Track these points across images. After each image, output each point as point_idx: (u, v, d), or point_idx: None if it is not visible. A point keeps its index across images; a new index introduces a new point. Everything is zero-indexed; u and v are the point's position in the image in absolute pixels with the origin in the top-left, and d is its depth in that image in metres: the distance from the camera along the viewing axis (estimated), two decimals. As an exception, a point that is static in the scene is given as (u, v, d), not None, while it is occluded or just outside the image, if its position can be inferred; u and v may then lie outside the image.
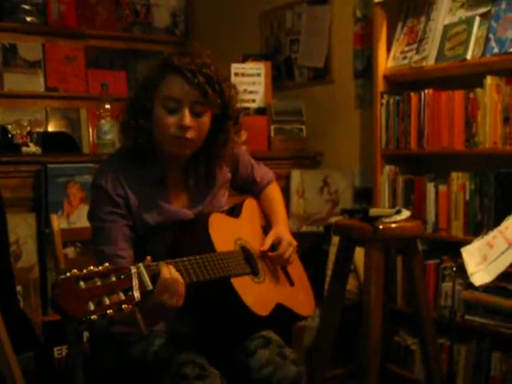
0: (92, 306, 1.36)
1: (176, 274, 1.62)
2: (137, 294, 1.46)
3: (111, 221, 1.88)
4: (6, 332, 2.30)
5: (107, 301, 1.39)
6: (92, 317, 1.36)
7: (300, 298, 2.18)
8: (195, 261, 1.73)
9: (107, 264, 1.45)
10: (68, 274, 1.37)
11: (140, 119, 1.90)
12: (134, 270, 1.49)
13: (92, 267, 1.42)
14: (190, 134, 1.88)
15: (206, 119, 1.92)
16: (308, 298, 2.25)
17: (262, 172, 2.32)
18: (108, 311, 1.38)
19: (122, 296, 1.43)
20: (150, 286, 1.52)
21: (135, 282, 1.47)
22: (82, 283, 1.37)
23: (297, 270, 2.25)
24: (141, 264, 1.53)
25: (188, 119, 1.86)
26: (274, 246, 2.10)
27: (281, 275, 2.15)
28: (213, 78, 1.88)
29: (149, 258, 1.60)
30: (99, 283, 1.40)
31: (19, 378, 2.30)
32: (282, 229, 2.17)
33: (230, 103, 1.98)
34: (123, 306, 1.41)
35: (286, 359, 1.93)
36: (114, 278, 1.43)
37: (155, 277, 1.56)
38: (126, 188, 1.91)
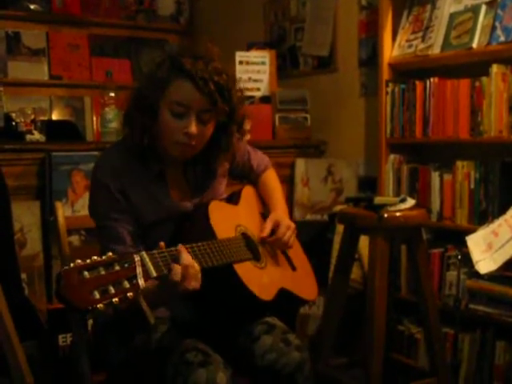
0: (97, 295, 1.37)
1: (191, 259, 1.64)
2: (141, 282, 1.47)
3: (116, 219, 1.88)
4: (11, 319, 2.30)
5: (112, 289, 1.40)
6: (98, 306, 1.36)
7: (303, 283, 2.19)
8: (197, 248, 1.74)
9: (110, 253, 1.45)
10: (72, 265, 1.37)
11: (146, 117, 1.88)
12: (137, 258, 1.50)
13: (95, 257, 1.42)
14: (194, 141, 1.88)
15: (211, 126, 1.93)
16: (311, 282, 2.26)
17: (259, 159, 2.31)
18: (113, 299, 1.39)
19: (127, 284, 1.43)
20: (154, 273, 1.52)
21: (139, 270, 1.48)
22: (86, 273, 1.38)
23: (298, 254, 2.26)
24: (143, 252, 1.54)
25: (194, 127, 1.86)
26: (273, 231, 2.10)
27: (282, 260, 2.15)
28: (223, 86, 1.87)
29: (162, 244, 1.61)
30: (103, 272, 1.41)
31: (24, 366, 2.30)
32: (280, 213, 2.17)
33: (237, 109, 1.98)
34: (128, 294, 1.42)
35: (289, 345, 1.93)
36: (117, 267, 1.44)
37: (165, 264, 1.57)
38: (126, 183, 1.91)
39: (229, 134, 2.01)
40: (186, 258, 1.63)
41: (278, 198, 2.26)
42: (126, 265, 1.46)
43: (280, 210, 2.19)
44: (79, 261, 1.39)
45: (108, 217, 1.88)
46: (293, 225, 2.14)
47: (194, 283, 1.64)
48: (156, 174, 1.96)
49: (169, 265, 1.59)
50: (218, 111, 1.89)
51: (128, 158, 1.94)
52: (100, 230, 1.92)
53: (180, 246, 1.66)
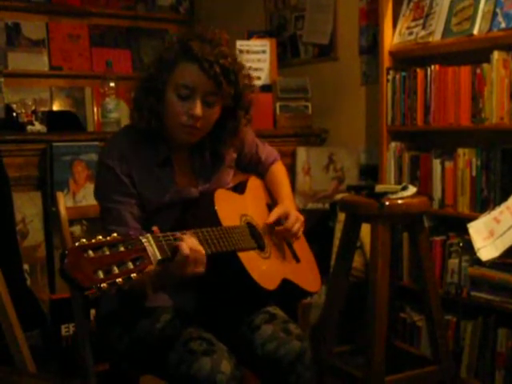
0: (101, 275, 1.37)
1: (197, 243, 1.66)
2: (145, 264, 1.47)
3: (120, 201, 1.89)
4: (14, 310, 2.31)
5: (116, 270, 1.40)
6: (102, 285, 1.37)
7: (306, 274, 2.19)
8: (201, 233, 1.74)
9: (115, 234, 1.46)
10: (77, 244, 1.38)
11: (151, 99, 1.90)
12: (143, 240, 1.51)
13: (101, 237, 1.43)
14: (199, 124, 1.89)
15: (217, 109, 1.93)
16: (314, 275, 2.26)
17: (267, 151, 2.31)
18: (117, 280, 1.39)
19: (131, 265, 1.44)
20: (158, 256, 1.53)
21: (143, 252, 1.49)
22: (90, 252, 1.38)
23: (302, 247, 2.25)
24: (149, 235, 1.55)
25: (199, 109, 1.86)
26: (282, 221, 2.10)
27: (287, 252, 2.15)
28: (229, 69, 1.88)
29: (155, 228, 1.61)
30: (108, 252, 1.41)
31: (27, 356, 2.31)
32: (289, 204, 2.17)
33: (243, 94, 1.98)
34: (132, 275, 1.43)
35: (290, 335, 1.93)
36: (122, 248, 1.45)
37: (169, 247, 1.58)
38: (132, 166, 1.91)
39: (236, 118, 2.01)
40: (192, 241, 1.64)
41: (286, 191, 2.26)
42: (131, 246, 1.47)
43: (288, 202, 2.19)
44: (84, 240, 1.40)
45: (112, 199, 1.89)
46: (301, 217, 2.15)
47: (200, 267, 1.66)
48: (162, 159, 1.96)
49: (174, 248, 1.59)
50: (224, 94, 1.89)
51: (135, 143, 1.95)
52: (103, 212, 1.93)
53: (186, 232, 1.67)
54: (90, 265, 1.37)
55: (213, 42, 1.89)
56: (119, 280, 1.40)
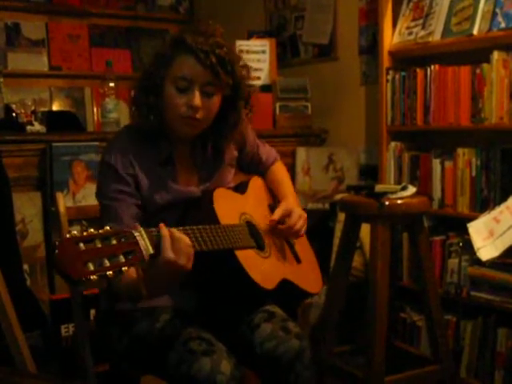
0: (92, 267, 1.37)
1: (180, 234, 1.63)
2: (137, 258, 1.47)
3: (119, 199, 1.89)
4: (14, 310, 2.31)
5: (107, 262, 1.40)
6: (91, 277, 1.37)
7: (307, 275, 2.18)
8: (204, 230, 1.74)
9: (108, 227, 1.46)
10: (68, 236, 1.38)
11: (151, 96, 1.91)
12: (136, 234, 1.51)
13: (92, 230, 1.43)
14: (199, 115, 1.89)
15: (216, 99, 1.93)
16: (315, 276, 2.25)
17: (267, 151, 2.32)
18: (108, 272, 1.39)
19: (122, 259, 1.44)
20: (150, 250, 1.53)
21: (136, 246, 1.49)
22: (81, 245, 1.38)
23: (304, 247, 2.25)
24: (142, 228, 1.54)
25: (198, 100, 1.87)
26: (283, 221, 2.08)
27: (287, 252, 2.14)
28: (225, 58, 1.88)
29: (162, 225, 1.61)
30: (99, 245, 1.41)
31: (27, 356, 2.31)
32: (292, 202, 2.16)
33: (241, 84, 1.98)
34: (123, 269, 1.43)
35: (289, 333, 1.93)
36: (114, 241, 1.44)
37: (159, 241, 1.57)
38: (136, 166, 1.92)
39: (236, 109, 2.01)
40: (165, 231, 1.60)
41: (289, 189, 2.26)
42: (123, 239, 1.47)
43: (291, 199, 2.19)
44: (75, 232, 1.39)
45: (110, 196, 1.89)
46: (304, 214, 2.13)
47: (185, 259, 1.61)
48: (164, 158, 1.97)
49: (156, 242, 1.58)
50: (222, 84, 1.90)
51: (137, 142, 1.95)
52: (101, 210, 1.93)
53: (161, 225, 1.63)
54: (81, 257, 1.37)
55: (206, 33, 1.90)
56: (109, 273, 1.40)
